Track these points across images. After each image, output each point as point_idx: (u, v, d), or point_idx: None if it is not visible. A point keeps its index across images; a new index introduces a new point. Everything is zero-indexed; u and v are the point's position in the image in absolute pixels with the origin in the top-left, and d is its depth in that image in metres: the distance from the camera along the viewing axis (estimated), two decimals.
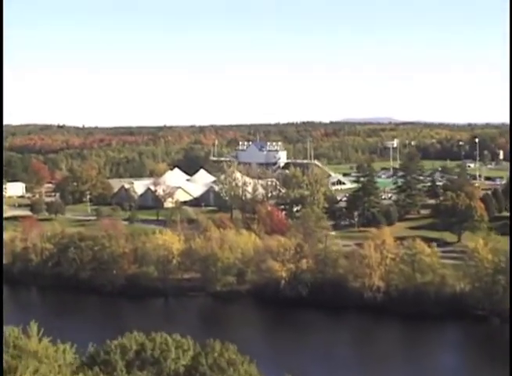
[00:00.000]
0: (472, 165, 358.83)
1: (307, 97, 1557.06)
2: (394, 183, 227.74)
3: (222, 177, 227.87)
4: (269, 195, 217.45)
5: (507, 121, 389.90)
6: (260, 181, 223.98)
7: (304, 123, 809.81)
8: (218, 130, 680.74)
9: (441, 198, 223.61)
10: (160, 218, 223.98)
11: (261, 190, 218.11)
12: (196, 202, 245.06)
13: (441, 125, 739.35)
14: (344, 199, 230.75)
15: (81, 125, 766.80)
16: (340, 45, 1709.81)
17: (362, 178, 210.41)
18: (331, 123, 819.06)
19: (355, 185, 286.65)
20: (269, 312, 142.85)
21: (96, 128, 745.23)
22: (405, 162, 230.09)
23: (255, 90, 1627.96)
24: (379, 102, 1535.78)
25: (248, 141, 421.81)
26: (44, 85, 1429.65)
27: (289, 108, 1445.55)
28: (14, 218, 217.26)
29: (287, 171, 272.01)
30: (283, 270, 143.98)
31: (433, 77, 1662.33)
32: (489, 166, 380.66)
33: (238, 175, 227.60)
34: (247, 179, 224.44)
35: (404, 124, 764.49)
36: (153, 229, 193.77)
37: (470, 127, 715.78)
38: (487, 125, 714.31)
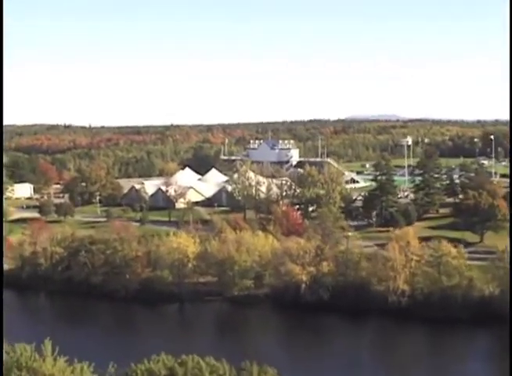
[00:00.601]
0: (486, 162, 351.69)
1: (312, 95, 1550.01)
2: (412, 182, 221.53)
3: (235, 176, 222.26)
4: (284, 195, 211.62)
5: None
6: (274, 180, 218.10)
7: (311, 121, 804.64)
8: (225, 129, 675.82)
9: (461, 197, 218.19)
10: (171, 219, 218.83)
11: (275, 190, 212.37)
12: (208, 202, 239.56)
13: (449, 122, 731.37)
14: (360, 198, 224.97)
15: (87, 125, 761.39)
16: (341, 43, 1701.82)
17: (379, 177, 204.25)
18: (339, 120, 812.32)
19: (368, 183, 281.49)
20: (290, 318, 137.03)
21: (103, 127, 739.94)
22: (422, 160, 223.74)
23: (261, 88, 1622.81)
24: (384, 99, 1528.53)
25: (257, 139, 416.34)
26: (48, 84, 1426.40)
27: (295, 106, 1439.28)
28: (22, 220, 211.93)
29: (299, 169, 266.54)
30: (304, 274, 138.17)
31: (438, 74, 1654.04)
32: (503, 163, 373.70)
33: (251, 174, 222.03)
34: (261, 179, 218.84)
35: (411, 121, 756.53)
36: (166, 230, 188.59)
37: (480, 124, 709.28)
38: (496, 122, 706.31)
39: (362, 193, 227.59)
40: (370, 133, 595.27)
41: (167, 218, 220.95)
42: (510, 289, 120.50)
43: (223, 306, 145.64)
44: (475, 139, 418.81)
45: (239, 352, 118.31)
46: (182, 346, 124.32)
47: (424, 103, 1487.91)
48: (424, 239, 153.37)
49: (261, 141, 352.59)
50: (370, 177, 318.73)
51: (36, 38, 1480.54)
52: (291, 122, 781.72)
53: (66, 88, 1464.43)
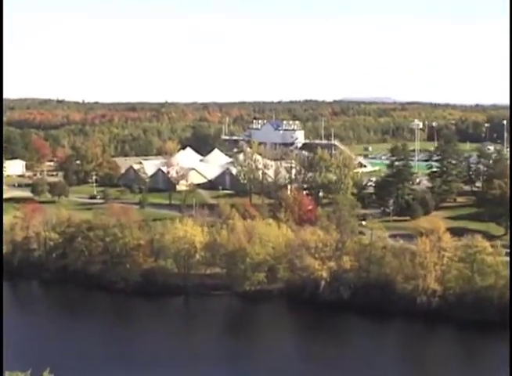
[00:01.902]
0: (492, 148, 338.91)
1: (306, 75, 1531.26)
2: (429, 168, 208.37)
3: (241, 158, 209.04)
4: (293, 179, 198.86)
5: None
6: (283, 163, 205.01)
7: (307, 101, 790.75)
8: (221, 107, 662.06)
9: (478, 185, 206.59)
10: (172, 202, 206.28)
11: (284, 174, 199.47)
12: (210, 185, 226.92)
13: (448, 106, 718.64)
14: (370, 184, 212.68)
15: (80, 100, 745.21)
16: (334, 24, 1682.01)
17: (396, 162, 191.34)
18: (335, 102, 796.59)
19: (376, 167, 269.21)
20: (306, 317, 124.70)
21: (97, 103, 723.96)
22: (440, 145, 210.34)
23: (255, 68, 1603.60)
24: (378, 81, 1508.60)
25: (255, 119, 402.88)
26: (41, 57, 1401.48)
27: (290, 86, 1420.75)
28: (14, 199, 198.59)
29: (305, 152, 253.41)
30: (324, 269, 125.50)
31: (435, 56, 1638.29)
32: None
33: (258, 156, 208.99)
34: (268, 162, 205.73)
35: (409, 104, 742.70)
36: (167, 215, 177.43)
37: (480, 107, 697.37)
38: (494, 106, 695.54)
39: (373, 179, 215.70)
40: (371, 115, 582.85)
41: (167, 201, 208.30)
42: (510, 289, 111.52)
43: (232, 302, 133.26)
44: (486, 124, 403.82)
45: (247, 356, 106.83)
46: (185, 347, 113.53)
47: (418, 86, 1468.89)
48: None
49: (264, 121, 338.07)
50: (376, 161, 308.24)
51: (29, 10, 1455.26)
52: (287, 102, 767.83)
53: (59, 61, 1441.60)
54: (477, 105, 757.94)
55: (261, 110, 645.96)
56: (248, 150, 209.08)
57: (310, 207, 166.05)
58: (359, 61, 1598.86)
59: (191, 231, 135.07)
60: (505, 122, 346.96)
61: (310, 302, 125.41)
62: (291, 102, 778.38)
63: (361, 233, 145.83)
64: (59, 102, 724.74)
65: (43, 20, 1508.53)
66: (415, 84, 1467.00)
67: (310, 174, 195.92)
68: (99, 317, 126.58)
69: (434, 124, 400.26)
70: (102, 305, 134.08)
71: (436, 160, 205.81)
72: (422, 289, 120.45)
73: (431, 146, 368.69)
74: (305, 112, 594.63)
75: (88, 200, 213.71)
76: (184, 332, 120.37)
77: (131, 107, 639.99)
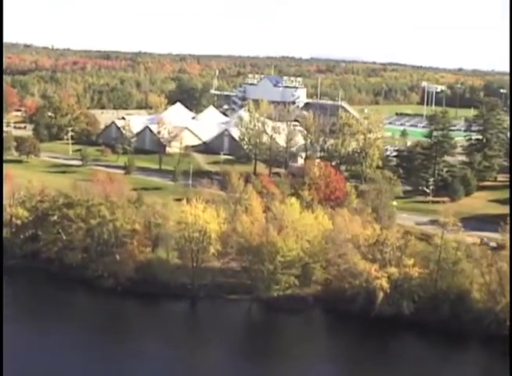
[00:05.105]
0: None
1: (281, 31, 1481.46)
2: (468, 139, 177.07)
3: (246, 119, 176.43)
4: (309, 147, 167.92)
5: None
6: (298, 127, 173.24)
7: (284, 57, 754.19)
8: (198, 59, 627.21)
9: None
10: (163, 167, 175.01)
11: (299, 140, 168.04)
12: (205, 148, 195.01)
13: (430, 68, 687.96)
14: (393, 154, 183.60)
15: (50, 46, 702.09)
16: None
17: (435, 132, 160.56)
18: (312, 59, 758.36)
19: (389, 133, 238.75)
20: (353, 337, 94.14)
21: (68, 49, 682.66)
22: (482, 113, 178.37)
23: (231, 21, 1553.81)
24: (351, 41, 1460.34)
25: (239, 74, 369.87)
26: None
27: (265, 42, 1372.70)
28: None
29: (304, 113, 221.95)
30: (383, 277, 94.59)
31: (413, 17, 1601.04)
32: None
33: (266, 119, 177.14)
34: (279, 124, 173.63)
35: (390, 65, 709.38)
36: (159, 184, 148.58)
37: (461, 72, 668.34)
38: (475, 72, 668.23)
39: (388, 147, 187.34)
40: (360, 75, 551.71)
41: (156, 166, 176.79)
42: (510, 290, 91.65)
43: (253, 310, 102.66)
44: (502, 90, 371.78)
45: None
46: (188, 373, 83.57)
47: (394, 48, 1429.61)
48: (496, 217, 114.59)
49: (262, 76, 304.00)
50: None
51: None
52: (264, 58, 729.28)
53: (27, 3, 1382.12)
54: (459, 69, 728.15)
55: (242, 64, 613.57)
56: (257, 109, 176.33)
57: (341, 185, 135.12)
58: (335, 20, 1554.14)
59: (203, 216, 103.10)
60: (503, 90, 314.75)
61: (358, 317, 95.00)
62: (268, 57, 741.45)
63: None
64: (27, 46, 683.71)
65: None
66: (391, 46, 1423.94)
67: (331, 141, 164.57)
68: (76, 326, 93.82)
69: (439, 88, 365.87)
70: (83, 309, 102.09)
71: (477, 131, 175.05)
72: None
73: (424, 109, 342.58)
74: (291, 68, 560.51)
75: (63, 161, 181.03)
76: (188, 352, 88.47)
77: (105, 55, 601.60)
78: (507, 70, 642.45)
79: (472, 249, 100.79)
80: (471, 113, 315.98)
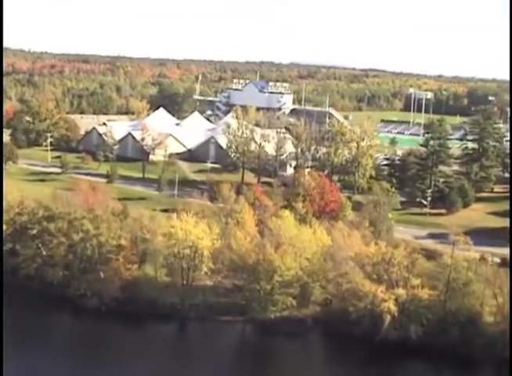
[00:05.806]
0: None
1: (259, 36, 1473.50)
2: (464, 149, 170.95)
3: (233, 126, 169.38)
4: (299, 155, 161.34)
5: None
6: (288, 135, 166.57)
7: (263, 62, 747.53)
8: (178, 64, 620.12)
9: None
10: (146, 175, 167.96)
11: (288, 148, 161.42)
12: (189, 155, 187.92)
13: (411, 75, 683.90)
14: (384, 163, 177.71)
15: (26, 49, 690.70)
16: None
17: (431, 141, 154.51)
18: (292, 64, 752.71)
19: (377, 141, 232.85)
20: (356, 364, 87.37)
21: (45, 53, 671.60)
22: (478, 120, 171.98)
23: (210, 25, 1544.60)
24: (331, 46, 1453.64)
25: (221, 79, 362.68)
26: None
27: (244, 46, 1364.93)
28: None
29: (291, 120, 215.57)
30: (390, 299, 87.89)
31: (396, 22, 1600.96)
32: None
33: (252, 125, 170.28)
34: (269, 132, 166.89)
35: (370, 70, 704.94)
36: (143, 194, 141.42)
37: (442, 78, 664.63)
38: (455, 78, 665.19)
39: (383, 156, 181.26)
40: (342, 81, 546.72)
41: (139, 174, 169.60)
42: (510, 291, 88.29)
43: (247, 333, 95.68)
44: (491, 97, 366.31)
45: None
46: None
47: (379, 53, 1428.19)
48: (497, 231, 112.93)
49: (247, 81, 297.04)
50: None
51: None
52: (243, 63, 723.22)
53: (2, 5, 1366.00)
54: (439, 76, 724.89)
55: (222, 69, 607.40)
56: (245, 115, 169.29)
57: (336, 196, 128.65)
58: (314, 25, 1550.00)
59: (195, 232, 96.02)
60: (491, 98, 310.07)
61: (362, 341, 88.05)
62: (247, 62, 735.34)
63: None
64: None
65: None
66: (370, 52, 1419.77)
67: (323, 150, 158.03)
68: (54, 351, 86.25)
69: (428, 94, 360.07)
70: (62, 331, 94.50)
71: (473, 140, 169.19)
72: None
73: (409, 116, 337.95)
74: (272, 73, 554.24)
75: (42, 169, 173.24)
76: None
77: (84, 59, 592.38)
78: (488, 76, 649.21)
79: (483, 268, 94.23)
80: (457, 120, 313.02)
